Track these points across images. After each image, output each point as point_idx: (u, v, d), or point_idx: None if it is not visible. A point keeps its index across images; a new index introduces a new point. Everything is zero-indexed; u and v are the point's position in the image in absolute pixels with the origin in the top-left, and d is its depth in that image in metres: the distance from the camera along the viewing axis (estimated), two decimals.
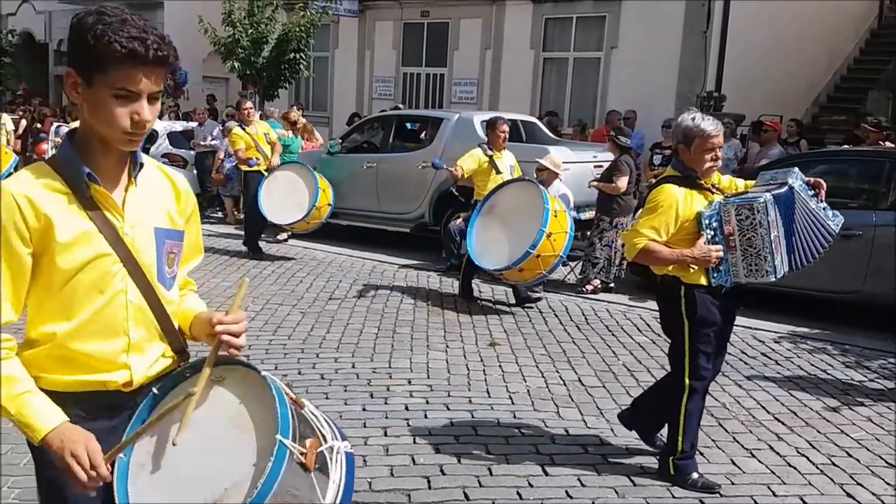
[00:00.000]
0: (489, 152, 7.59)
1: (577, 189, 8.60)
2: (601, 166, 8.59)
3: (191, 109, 16.07)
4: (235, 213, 12.24)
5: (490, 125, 7.76)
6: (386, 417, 4.64)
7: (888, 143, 8.69)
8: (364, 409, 4.76)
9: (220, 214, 12.45)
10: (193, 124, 13.72)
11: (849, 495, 3.87)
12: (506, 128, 7.68)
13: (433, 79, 16.43)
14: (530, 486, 3.86)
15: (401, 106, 14.87)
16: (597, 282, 8.12)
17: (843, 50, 15.69)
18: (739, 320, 6.92)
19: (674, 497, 3.79)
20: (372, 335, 6.31)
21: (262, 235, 9.88)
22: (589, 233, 8.45)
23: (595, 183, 8.23)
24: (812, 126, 13.14)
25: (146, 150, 12.51)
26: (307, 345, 6.02)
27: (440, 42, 16.18)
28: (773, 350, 6.31)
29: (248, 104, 9.61)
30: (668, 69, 13.01)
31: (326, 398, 4.92)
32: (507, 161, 7.74)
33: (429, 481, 3.87)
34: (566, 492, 3.81)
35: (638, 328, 6.87)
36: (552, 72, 14.89)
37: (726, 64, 12.63)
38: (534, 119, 11.60)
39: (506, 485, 3.86)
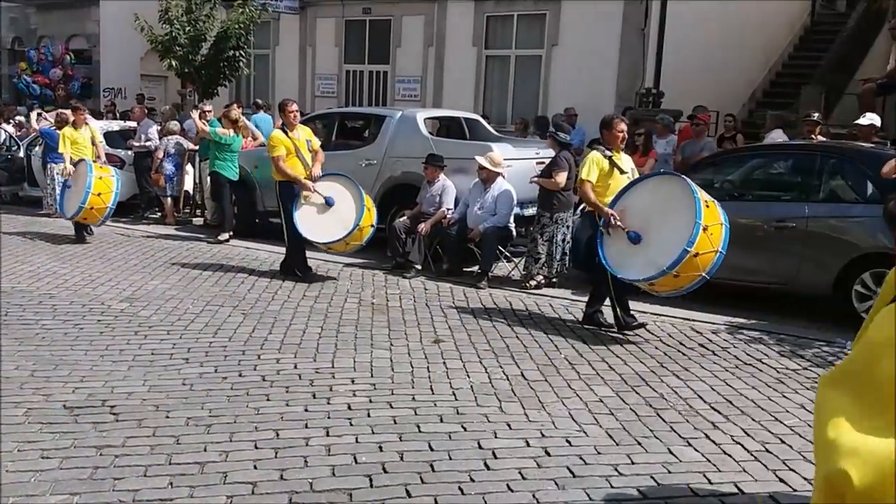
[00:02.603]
0: (608, 153, 6.73)
1: (521, 186, 8.66)
2: (543, 163, 8.66)
3: (128, 109, 15.75)
4: (175, 213, 12.03)
5: (606, 124, 6.85)
6: (328, 417, 4.60)
7: (820, 137, 8.94)
8: (306, 410, 4.71)
9: (158, 215, 12.20)
10: (131, 124, 13.45)
11: (782, 481, 3.96)
12: (623, 126, 6.83)
13: (376, 76, 16.37)
14: (472, 480, 3.87)
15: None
16: (540, 277, 8.18)
17: (778, 47, 16.14)
18: (677, 312, 7.14)
19: (612, 487, 3.84)
20: (315, 335, 6.25)
21: (203, 236, 9.71)
22: (531, 228, 8.51)
23: (536, 179, 8.29)
24: (748, 121, 13.46)
25: None
26: (248, 346, 5.93)
27: (382, 39, 16.13)
28: (710, 341, 6.44)
29: (294, 106, 8.39)
30: (607, 66, 13.20)
31: (268, 400, 4.86)
32: (626, 164, 6.85)
33: (371, 480, 3.84)
34: (507, 485, 3.82)
35: (579, 322, 6.94)
36: (495, 69, 14.97)
37: (664, 61, 12.87)
38: (477, 116, 11.64)
39: (447, 480, 3.86)
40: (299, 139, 8.26)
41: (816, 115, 9.34)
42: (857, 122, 9.16)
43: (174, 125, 12.27)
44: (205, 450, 4.14)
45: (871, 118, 9.12)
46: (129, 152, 12.40)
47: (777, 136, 10.03)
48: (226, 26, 14.81)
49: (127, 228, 11.16)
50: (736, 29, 14.25)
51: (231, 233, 10.37)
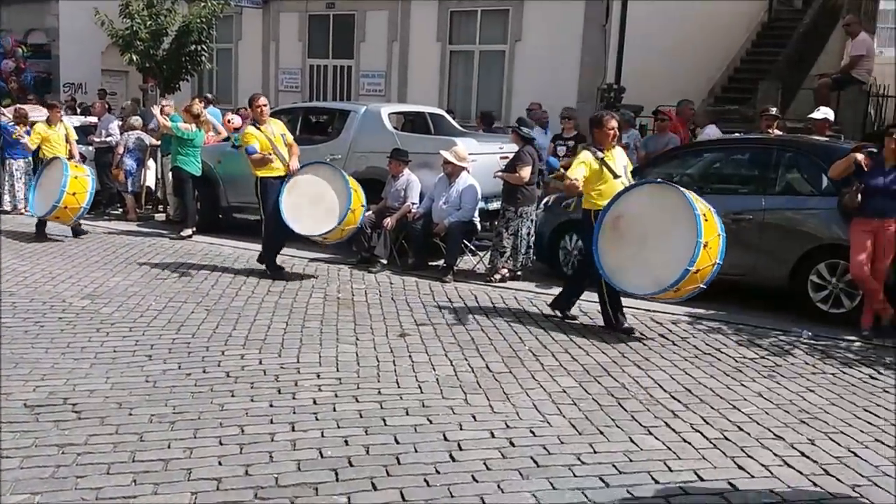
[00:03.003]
0: (599, 154, 6.54)
1: (485, 180, 8.71)
2: (507, 157, 8.72)
3: (90, 104, 15.51)
4: (137, 209, 11.89)
5: (597, 122, 6.63)
6: (293, 413, 4.61)
7: (777, 131, 9.12)
8: (271, 406, 4.71)
9: (120, 211, 12.04)
10: (92, 119, 13.25)
11: (740, 467, 4.06)
12: (615, 123, 6.61)
13: (340, 71, 16.31)
14: (438, 472, 3.91)
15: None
16: (504, 270, 8.25)
17: (736, 43, 16.36)
18: (638, 304, 7.23)
19: (575, 476, 3.90)
20: (280, 330, 6.24)
21: (166, 232, 9.62)
22: (496, 223, 8.57)
23: (500, 173, 8.36)
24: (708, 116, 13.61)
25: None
26: (212, 342, 5.90)
27: (347, 34, 16.07)
28: (670, 331, 6.56)
29: (263, 100, 8.28)
30: (570, 62, 13.30)
31: (232, 395, 4.85)
32: (620, 161, 6.64)
33: (337, 474, 3.86)
34: (472, 476, 3.87)
35: (544, 314, 7.02)
36: (459, 64, 15.00)
37: (625, 57, 12.99)
38: (442, 111, 11.66)
39: (413, 473, 3.89)
40: (273, 133, 8.13)
41: (774, 109, 9.51)
42: (811, 116, 9.34)
43: (135, 120, 12.12)
44: (168, 447, 4.12)
45: (825, 112, 9.31)
46: (90, 148, 12.21)
47: (711, 132, 10.19)
48: (187, 20, 14.65)
49: (88, 225, 11.00)
50: (695, 25, 14.44)
51: (194, 229, 10.27)
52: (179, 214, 10.95)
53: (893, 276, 6.60)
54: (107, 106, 14.36)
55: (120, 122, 12.37)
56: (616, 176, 6.48)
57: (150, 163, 12.09)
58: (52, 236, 9.93)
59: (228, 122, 11.96)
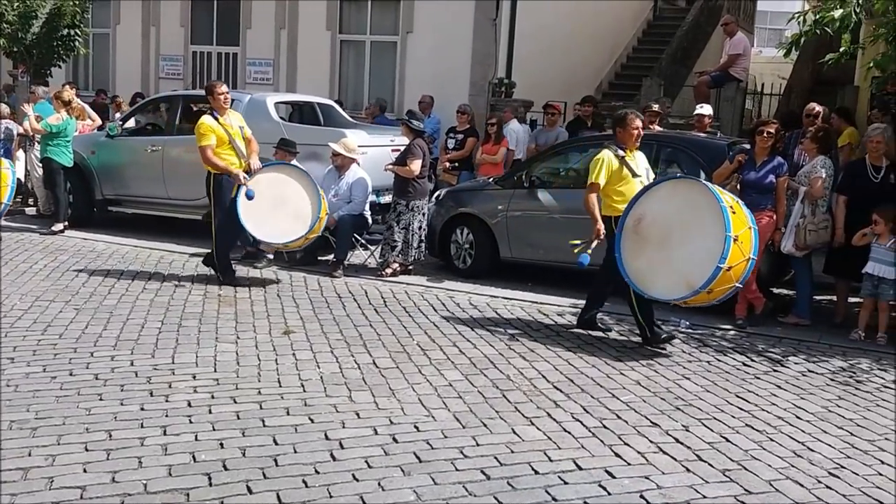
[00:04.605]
0: (620, 152, 6.14)
1: (376, 173, 8.60)
2: (398, 150, 8.64)
3: None
4: None
5: (620, 121, 6.24)
6: (166, 416, 4.40)
7: (658, 127, 9.39)
8: (142, 409, 4.48)
9: None
10: None
11: (617, 455, 4.14)
12: (639, 123, 6.23)
13: (225, 58, 15.79)
14: (317, 472, 3.81)
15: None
16: (396, 265, 8.18)
17: (623, 40, 16.85)
18: (526, 296, 7.34)
19: (457, 470, 3.88)
20: (154, 330, 5.96)
21: (35, 227, 8.99)
22: (387, 216, 8.48)
23: (390, 166, 8.27)
24: (595, 112, 13.94)
25: None
26: (81, 343, 5.58)
27: (232, 20, 15.55)
28: (555, 322, 6.67)
29: (224, 87, 7.52)
30: (461, 55, 13.31)
31: (100, 399, 4.59)
32: (641, 164, 6.28)
33: (210, 478, 3.71)
34: (353, 475, 3.79)
35: (434, 308, 7.00)
36: (350, 54, 14.79)
37: (516, 52, 13.14)
38: (331, 102, 11.46)
39: (291, 474, 3.78)
40: (232, 126, 7.46)
41: (656, 106, 9.81)
42: (697, 112, 9.64)
43: (3, 108, 11.33)
44: (29, 454, 3.87)
45: (707, 109, 9.66)
46: None
47: (515, 127, 10.55)
48: (59, 3, 13.82)
49: None
50: (584, 22, 14.76)
51: (66, 223, 9.71)
52: (50, 208, 10.33)
53: (765, 267, 6.90)
54: None
55: None
56: (636, 175, 6.12)
57: (20, 153, 11.33)
58: None
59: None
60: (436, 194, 9.12)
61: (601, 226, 6.05)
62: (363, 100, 14.30)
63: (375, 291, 7.51)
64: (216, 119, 7.40)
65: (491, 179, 9.03)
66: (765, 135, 6.71)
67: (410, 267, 8.28)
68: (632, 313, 6.18)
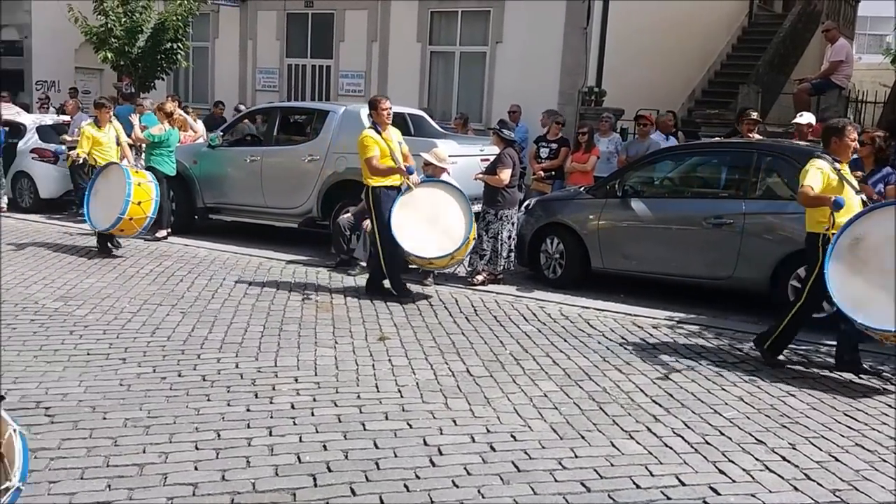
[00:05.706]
0: (836, 165, 5.70)
1: (465, 182, 8.64)
2: (488, 159, 8.68)
3: (63, 102, 15.30)
4: None
5: (837, 131, 5.79)
6: (271, 417, 4.53)
7: (756, 135, 9.16)
8: (248, 410, 4.63)
9: None
10: (65, 118, 13.04)
11: (721, 472, 4.04)
12: (856, 135, 5.88)
13: (319, 70, 16.20)
14: (417, 477, 3.86)
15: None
16: (485, 273, 8.20)
17: (717, 47, 16.50)
18: (619, 307, 7.24)
19: (556, 481, 3.87)
20: (257, 334, 6.15)
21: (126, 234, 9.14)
22: (477, 225, 8.51)
23: (480, 175, 8.31)
24: (687, 120, 13.72)
25: (14, 146, 11.80)
26: (188, 346, 5.81)
27: (325, 33, 15.96)
28: (651, 335, 6.55)
29: (387, 103, 7.48)
30: (551, 65, 13.29)
31: (208, 400, 4.76)
32: (851, 179, 5.88)
33: (315, 479, 3.80)
34: (453, 481, 3.82)
35: (525, 317, 6.99)
36: (439, 65, 14.95)
37: (606, 60, 13.04)
38: (421, 112, 11.60)
39: (393, 478, 3.84)
40: (392, 141, 7.49)
41: (754, 113, 9.55)
42: (795, 120, 9.37)
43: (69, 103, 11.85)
44: (143, 451, 4.04)
45: (808, 117, 9.37)
46: (63, 147, 11.99)
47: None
48: (163, 18, 14.49)
49: (61, 226, 10.83)
50: (676, 29, 14.52)
51: (169, 230, 10.12)
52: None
53: None
54: (80, 104, 14.16)
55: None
56: (857, 192, 5.66)
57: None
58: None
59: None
60: (525, 203, 9.11)
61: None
62: (451, 110, 14.43)
63: (466, 300, 7.55)
64: (378, 132, 7.47)
65: (581, 188, 8.98)
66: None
67: (500, 276, 8.29)
68: (837, 342, 5.84)
